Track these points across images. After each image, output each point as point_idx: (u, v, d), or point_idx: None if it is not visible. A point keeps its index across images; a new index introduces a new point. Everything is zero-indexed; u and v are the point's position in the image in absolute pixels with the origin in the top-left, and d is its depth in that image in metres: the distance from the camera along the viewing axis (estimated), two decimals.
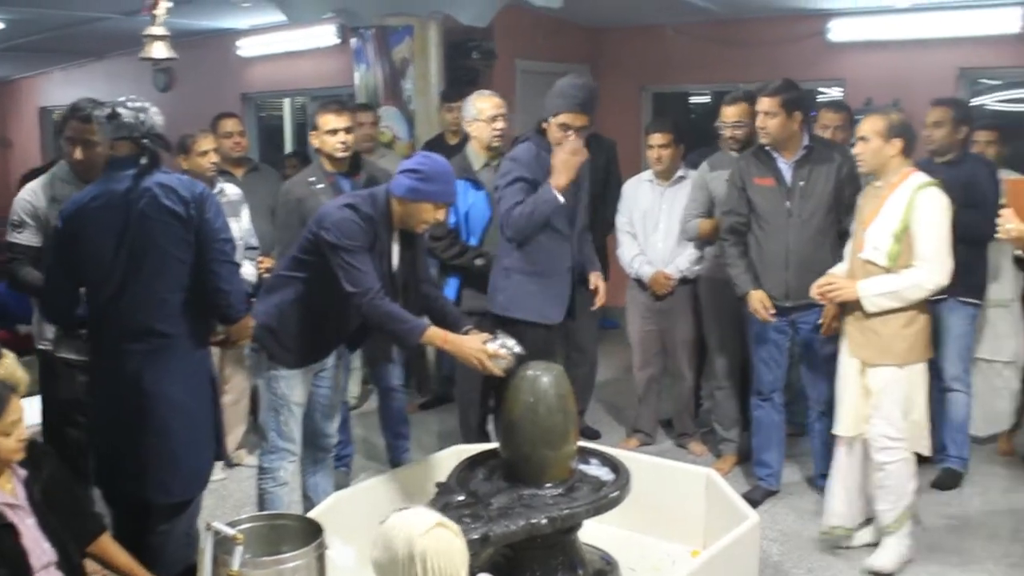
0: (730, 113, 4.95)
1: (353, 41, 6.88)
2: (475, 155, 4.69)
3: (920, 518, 4.41)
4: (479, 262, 4.59)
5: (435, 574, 1.98)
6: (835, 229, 4.39)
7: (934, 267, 3.80)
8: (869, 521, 4.24)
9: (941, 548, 4.28)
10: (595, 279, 4.60)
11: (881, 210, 3.90)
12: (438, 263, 4.66)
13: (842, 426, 4.12)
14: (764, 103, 4.41)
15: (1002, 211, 3.64)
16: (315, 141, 4.52)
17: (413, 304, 3.72)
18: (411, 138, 6.56)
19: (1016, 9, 6.48)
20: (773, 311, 4.42)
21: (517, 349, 3.35)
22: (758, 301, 4.44)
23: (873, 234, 3.92)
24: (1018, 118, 7.30)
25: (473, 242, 4.65)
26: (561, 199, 4.10)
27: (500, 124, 4.66)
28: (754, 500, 4.64)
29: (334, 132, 4.43)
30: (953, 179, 4.34)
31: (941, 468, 4.89)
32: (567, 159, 4.10)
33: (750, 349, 4.81)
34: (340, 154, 4.46)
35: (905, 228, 3.83)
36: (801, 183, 4.41)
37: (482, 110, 4.64)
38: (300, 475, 4.10)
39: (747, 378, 5.21)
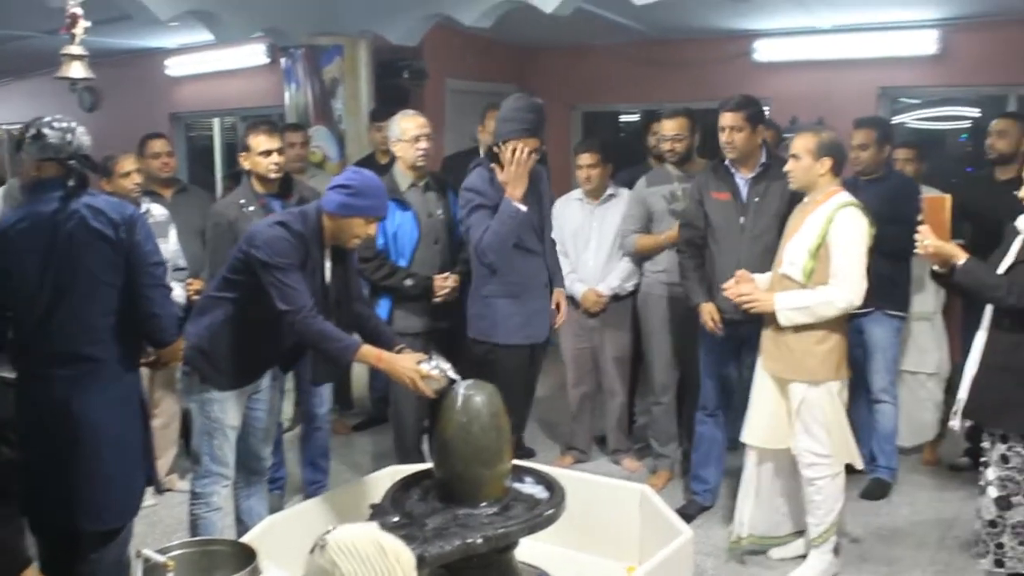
0: (669, 126, 4.97)
1: (283, 60, 6.84)
2: (401, 175, 4.67)
3: (850, 530, 4.49)
4: (408, 283, 4.58)
5: (405, 566, 1.96)
6: None
7: (846, 286, 3.83)
8: (801, 533, 4.30)
9: (871, 558, 4.37)
10: (557, 295, 4.65)
11: (802, 226, 3.95)
12: (369, 285, 4.65)
13: (751, 435, 4.17)
14: (728, 118, 4.43)
15: (920, 227, 3.74)
16: (246, 162, 4.45)
17: (346, 322, 3.71)
18: (342, 158, 6.53)
19: (932, 31, 6.71)
20: (721, 326, 4.45)
21: (451, 372, 3.35)
22: (708, 314, 4.47)
23: (791, 250, 3.97)
24: (935, 136, 7.51)
25: (402, 263, 4.63)
26: (523, 207, 4.17)
27: (423, 144, 4.61)
28: (688, 515, 4.68)
29: (267, 153, 4.38)
30: (878, 196, 4.45)
31: (870, 479, 4.98)
32: (512, 170, 4.17)
33: (700, 364, 4.85)
34: (272, 175, 4.41)
35: (821, 245, 3.87)
36: (756, 199, 4.45)
37: (405, 130, 4.61)
38: (233, 499, 4.04)
39: (683, 393, 5.28)
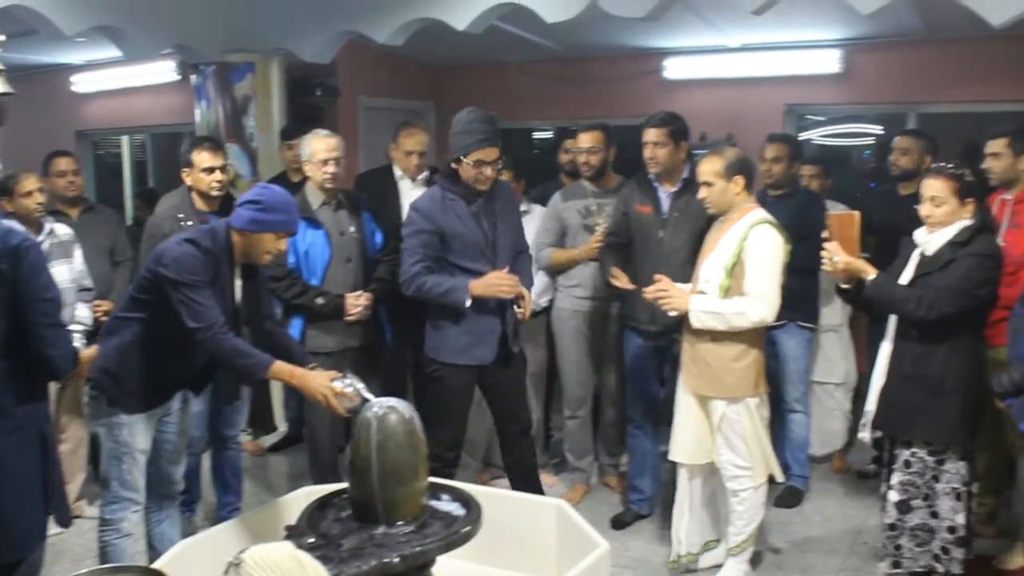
0: (585, 139, 5.02)
1: (193, 77, 6.74)
2: (313, 193, 4.64)
3: (771, 540, 4.57)
4: (320, 301, 4.55)
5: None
6: None
7: (758, 302, 3.88)
8: (717, 542, 4.37)
9: (785, 565, 4.45)
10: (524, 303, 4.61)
11: (718, 244, 4.00)
12: (281, 304, 4.61)
13: (677, 453, 4.22)
14: (652, 134, 4.51)
15: (826, 244, 3.82)
16: (188, 178, 4.46)
17: (257, 340, 3.67)
18: (254, 176, 6.46)
19: (835, 51, 6.91)
20: (632, 287, 4.41)
21: (365, 392, 3.33)
22: (617, 276, 4.44)
23: (707, 267, 4.02)
24: (840, 152, 7.71)
25: (314, 282, 4.60)
26: (468, 305, 4.16)
27: (331, 168, 4.58)
28: (623, 522, 4.79)
29: (210, 170, 4.40)
30: (786, 212, 4.54)
31: (784, 487, 5.07)
32: (495, 285, 4.17)
33: (625, 377, 4.92)
34: (216, 192, 4.43)
35: (736, 263, 3.91)
36: (675, 214, 4.52)
37: (315, 152, 4.58)
38: (145, 525, 3.95)
39: (599, 407, 5.33)
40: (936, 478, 3.78)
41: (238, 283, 3.66)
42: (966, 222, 3.67)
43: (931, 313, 3.61)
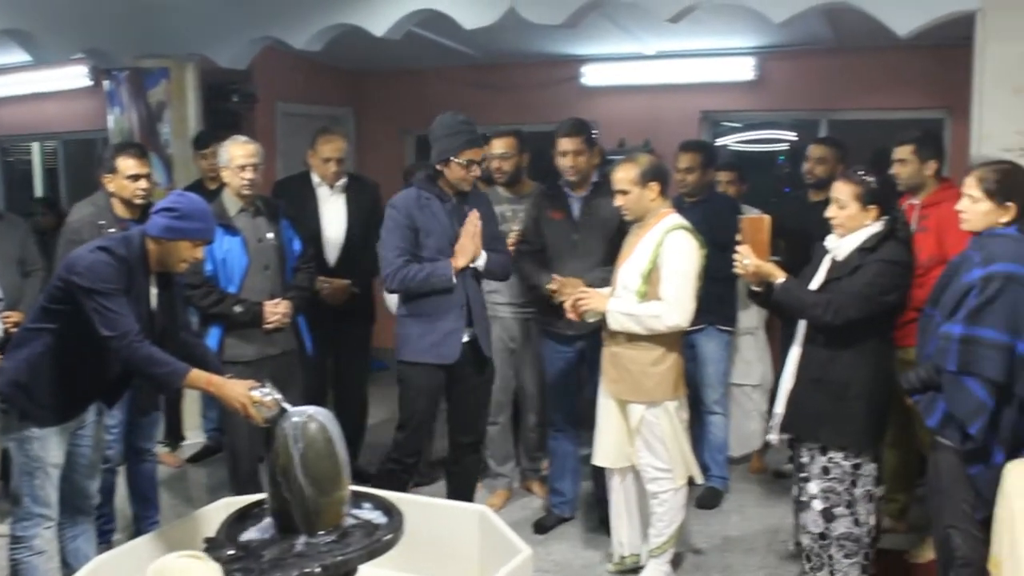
0: (497, 145, 5.03)
1: (106, 83, 6.62)
2: (230, 200, 4.58)
3: (688, 538, 4.63)
4: (238, 309, 4.49)
5: None
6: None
7: (673, 308, 3.92)
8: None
9: (705, 565, 4.51)
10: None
11: (634, 251, 4.04)
12: (198, 313, 4.54)
13: (600, 457, 4.25)
14: (569, 143, 4.54)
15: (739, 248, 3.88)
16: (110, 184, 4.38)
17: (172, 350, 3.60)
18: (169, 183, 6.35)
19: (749, 59, 7.05)
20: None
21: (283, 402, 3.31)
22: (556, 283, 4.45)
23: (625, 273, 4.05)
24: (755, 158, 7.85)
25: (232, 289, 4.53)
26: (455, 280, 4.16)
27: (249, 174, 4.52)
28: (545, 526, 4.82)
29: (136, 177, 4.31)
30: (702, 218, 4.60)
31: (704, 488, 5.13)
32: (467, 244, 4.17)
33: (545, 381, 4.95)
34: (140, 200, 4.35)
35: (652, 268, 3.95)
36: (587, 217, 4.57)
37: (233, 158, 4.53)
38: (59, 541, 3.85)
39: (519, 413, 5.35)
40: (855, 483, 3.80)
41: (153, 292, 3.61)
42: (875, 228, 3.69)
43: (837, 318, 3.63)
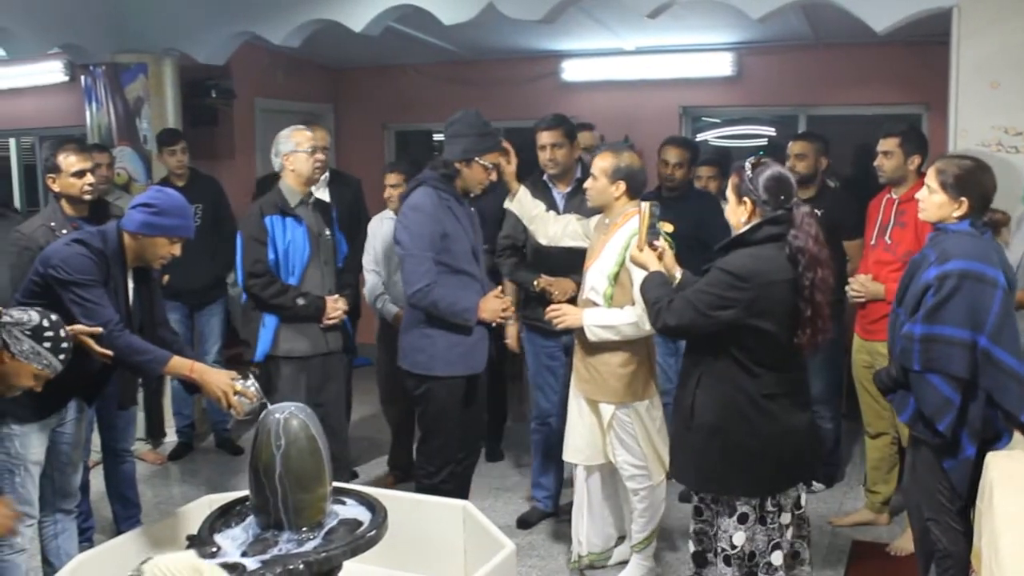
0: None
1: (83, 78, 6.58)
2: (290, 191, 4.43)
3: (669, 533, 4.64)
4: (301, 302, 4.38)
5: None
6: None
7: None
8: (623, 539, 4.42)
9: (686, 559, 4.51)
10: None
11: (602, 252, 3.99)
12: (256, 303, 4.44)
13: (572, 454, 4.25)
14: (549, 136, 4.59)
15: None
16: (55, 185, 4.28)
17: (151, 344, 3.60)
18: (148, 179, 6.32)
19: (728, 54, 7.07)
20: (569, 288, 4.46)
21: (264, 398, 3.32)
22: (544, 282, 4.51)
23: (592, 275, 4.02)
24: (735, 153, 7.87)
25: (292, 281, 4.41)
26: (472, 326, 4.12)
27: (321, 156, 4.46)
28: (529, 522, 4.82)
29: (80, 174, 4.24)
30: (681, 213, 4.59)
31: None
32: (496, 309, 4.17)
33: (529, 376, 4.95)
34: (87, 197, 4.28)
35: (620, 271, 3.90)
36: (571, 212, 4.56)
37: (300, 143, 4.40)
38: (40, 540, 3.85)
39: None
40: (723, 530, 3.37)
41: (131, 287, 3.61)
42: (748, 226, 3.27)
43: (658, 322, 3.27)
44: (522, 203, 4.38)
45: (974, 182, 3.31)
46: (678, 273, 3.49)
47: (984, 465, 3.19)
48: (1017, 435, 3.30)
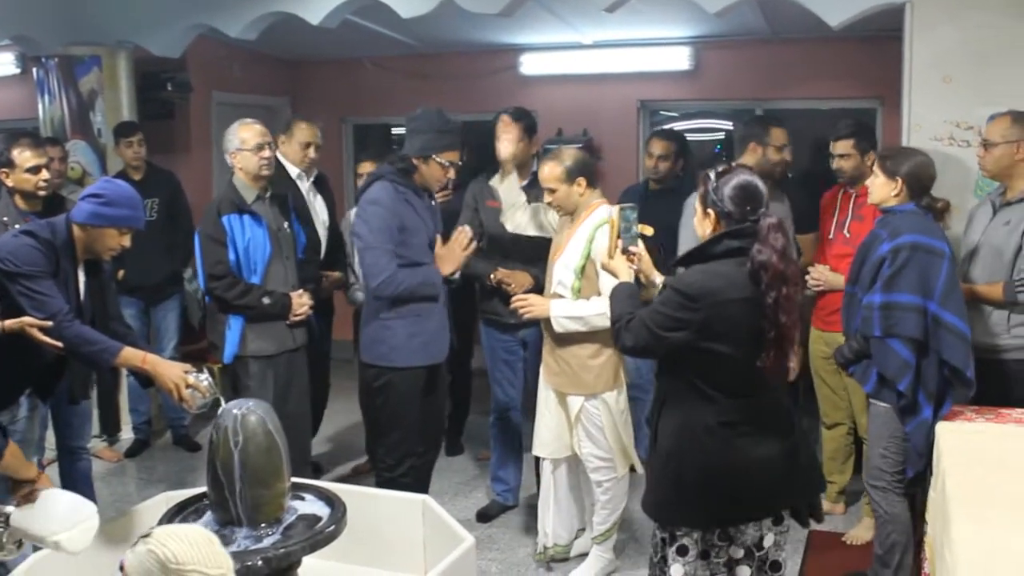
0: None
1: (35, 71, 6.48)
2: (244, 187, 4.33)
3: (630, 526, 4.66)
4: (267, 301, 4.29)
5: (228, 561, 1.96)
6: None
7: None
8: (583, 531, 4.45)
9: (646, 552, 4.54)
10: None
11: (567, 247, 4.02)
12: (219, 305, 4.33)
13: (540, 447, 4.27)
14: (510, 130, 4.59)
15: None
16: (8, 180, 4.24)
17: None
18: (102, 173, 6.25)
19: (685, 48, 7.10)
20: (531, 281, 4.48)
21: (217, 393, 3.31)
22: (501, 274, 4.54)
23: (558, 269, 4.04)
24: (693, 147, 7.90)
25: (254, 280, 4.31)
26: (439, 292, 4.12)
27: (267, 153, 4.32)
28: (488, 515, 4.84)
29: (35, 170, 4.20)
30: (667, 207, 4.59)
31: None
32: (456, 253, 4.16)
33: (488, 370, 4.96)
34: (42, 193, 4.24)
35: (586, 264, 3.93)
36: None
37: (245, 140, 4.30)
38: None
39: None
40: (666, 560, 3.08)
41: (82, 280, 3.57)
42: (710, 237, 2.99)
43: (618, 341, 3.08)
44: (510, 188, 4.54)
45: (907, 163, 3.68)
46: (658, 279, 3.28)
47: (935, 436, 3.39)
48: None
